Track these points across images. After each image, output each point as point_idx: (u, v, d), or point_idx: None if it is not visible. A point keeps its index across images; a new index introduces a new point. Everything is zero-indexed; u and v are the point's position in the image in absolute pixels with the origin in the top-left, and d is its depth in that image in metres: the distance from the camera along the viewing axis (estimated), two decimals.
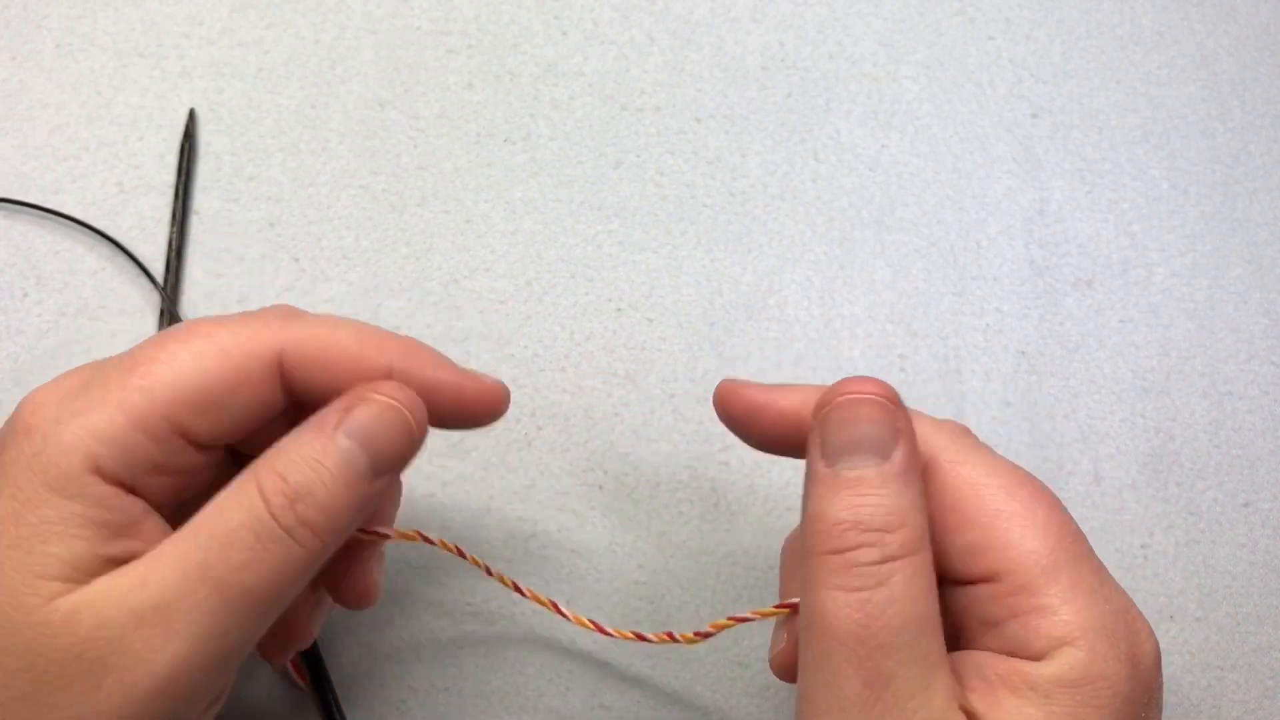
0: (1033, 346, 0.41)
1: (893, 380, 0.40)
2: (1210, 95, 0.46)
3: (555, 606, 0.31)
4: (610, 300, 0.41)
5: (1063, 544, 0.25)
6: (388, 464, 0.27)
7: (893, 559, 0.24)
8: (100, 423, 0.25)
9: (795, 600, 0.27)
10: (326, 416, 0.26)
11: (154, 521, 0.26)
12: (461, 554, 0.31)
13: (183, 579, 0.24)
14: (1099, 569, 0.26)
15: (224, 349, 0.26)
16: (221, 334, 0.26)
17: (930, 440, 0.27)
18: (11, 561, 0.24)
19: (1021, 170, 0.44)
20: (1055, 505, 0.26)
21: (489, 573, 0.31)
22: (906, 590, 0.24)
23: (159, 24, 0.44)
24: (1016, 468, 0.27)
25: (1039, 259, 0.42)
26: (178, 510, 0.26)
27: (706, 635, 0.30)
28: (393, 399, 0.27)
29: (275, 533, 0.24)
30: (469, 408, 0.28)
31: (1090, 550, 0.26)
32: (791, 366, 0.40)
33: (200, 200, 0.41)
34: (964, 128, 0.44)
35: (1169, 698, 0.38)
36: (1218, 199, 0.44)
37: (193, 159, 0.42)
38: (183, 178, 0.41)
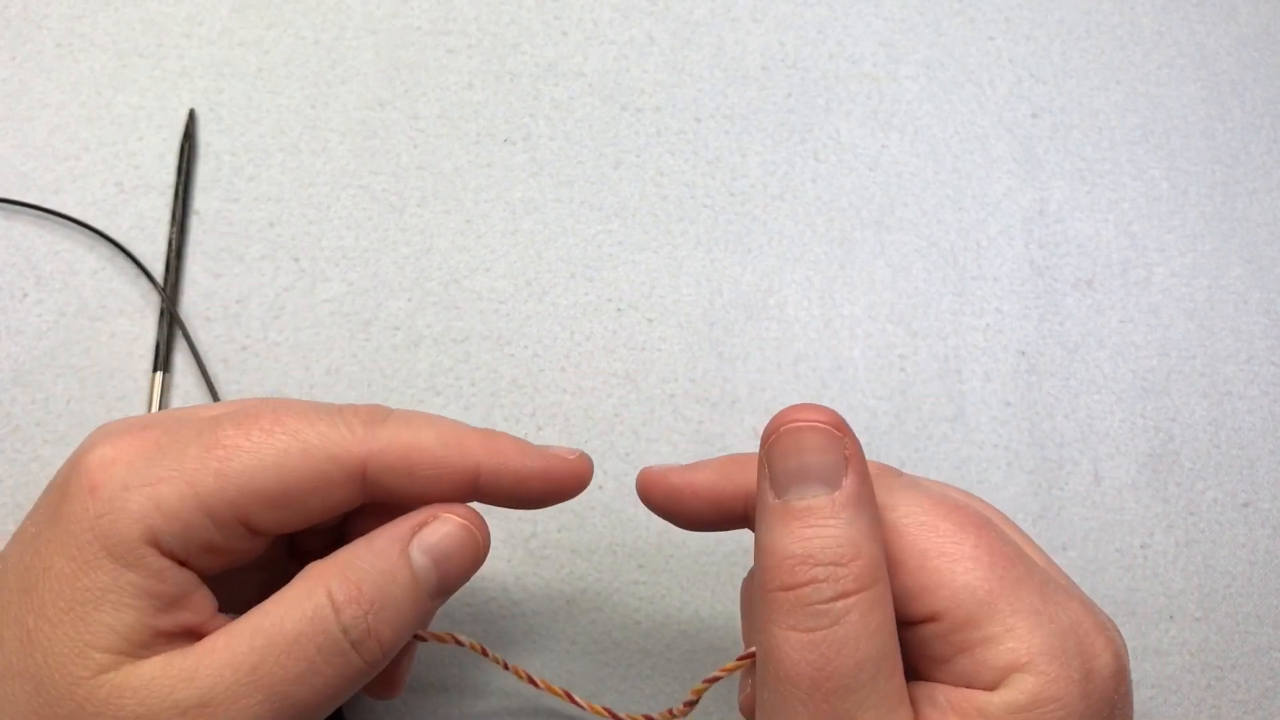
0: (1033, 346, 0.41)
1: (894, 381, 0.40)
2: (1210, 95, 0.46)
3: (569, 696, 0.32)
4: (610, 300, 0.41)
5: (996, 571, 0.25)
6: (453, 583, 0.27)
7: (847, 594, 0.23)
8: (169, 498, 0.24)
9: (753, 650, 0.27)
10: (399, 530, 0.26)
11: (204, 594, 0.26)
12: (485, 653, 0.31)
13: (234, 681, 0.24)
14: (1043, 585, 0.25)
15: (308, 449, 0.25)
16: (309, 433, 0.26)
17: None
18: (64, 627, 0.24)
19: (1021, 170, 0.44)
20: (985, 530, 0.26)
21: (505, 667, 0.31)
22: (862, 627, 0.23)
23: (159, 24, 0.44)
24: (942, 499, 0.26)
25: (1039, 259, 0.42)
26: (221, 579, 0.26)
27: (691, 704, 0.30)
28: (464, 520, 0.27)
29: (340, 646, 0.24)
30: (557, 488, 0.28)
31: (1030, 568, 0.25)
32: (791, 366, 0.40)
33: (200, 200, 0.41)
34: (964, 128, 0.44)
35: (1169, 697, 0.38)
36: (1218, 199, 0.44)
37: (193, 159, 0.42)
38: (183, 178, 0.41)
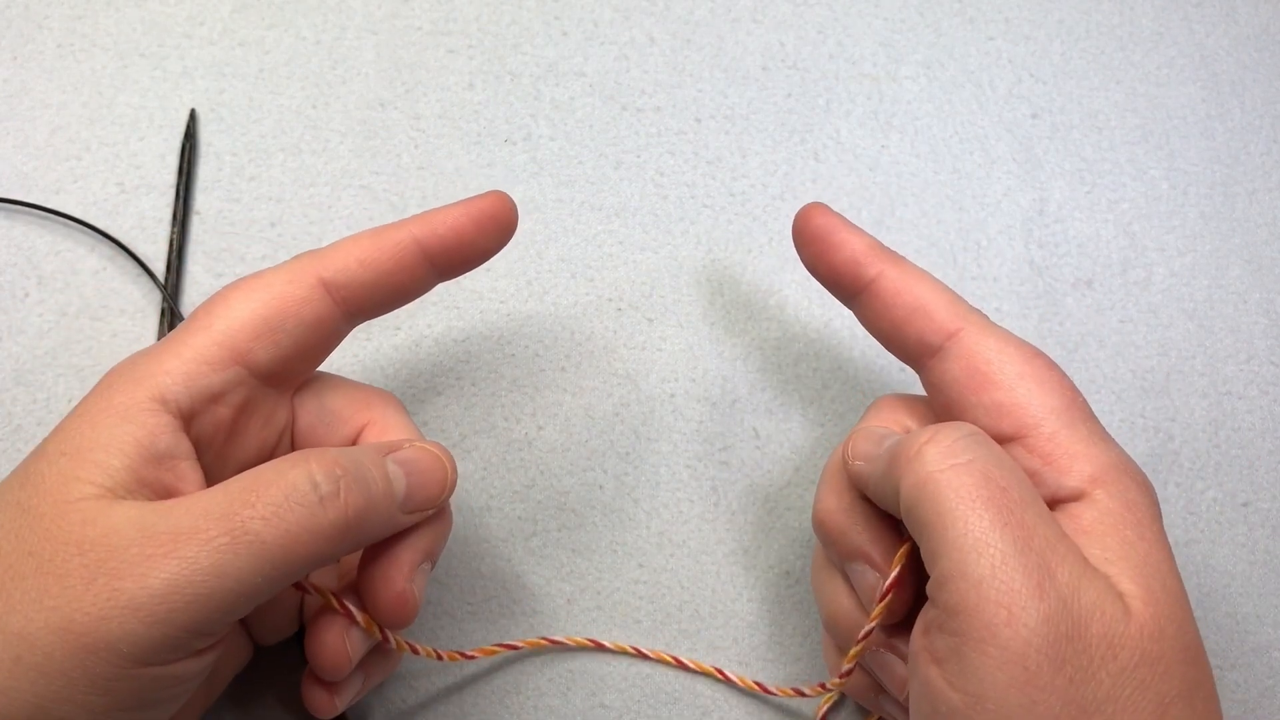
0: None
1: (893, 380, 0.40)
2: (1210, 95, 0.46)
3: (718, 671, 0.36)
4: (610, 300, 0.41)
5: (1077, 402, 0.29)
6: (418, 500, 0.29)
7: (973, 432, 0.28)
8: (169, 360, 0.28)
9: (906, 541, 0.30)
10: (379, 444, 0.29)
11: (191, 465, 0.28)
12: (417, 651, 0.33)
13: (202, 516, 0.25)
14: (1102, 427, 0.29)
15: (269, 284, 0.29)
16: (264, 276, 0.30)
17: (957, 314, 0.30)
18: (58, 464, 0.26)
19: (1021, 170, 0.44)
20: (1065, 375, 0.30)
21: (439, 657, 0.33)
22: (1000, 451, 0.27)
23: (160, 24, 0.44)
24: (1028, 344, 0.30)
25: (1039, 259, 0.42)
26: (217, 473, 0.29)
27: (847, 674, 0.32)
28: (434, 449, 0.30)
29: (306, 496, 0.26)
30: (490, 223, 0.31)
31: (1093, 413, 0.30)
32: (792, 366, 0.40)
33: (201, 200, 0.41)
34: (964, 128, 0.44)
35: None
36: (1218, 199, 0.44)
37: (194, 159, 0.42)
38: (184, 178, 0.41)
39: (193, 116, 0.42)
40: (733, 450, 0.39)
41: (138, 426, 0.27)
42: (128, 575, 0.24)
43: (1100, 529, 0.27)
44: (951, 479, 0.26)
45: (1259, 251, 0.43)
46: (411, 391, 0.39)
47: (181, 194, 0.41)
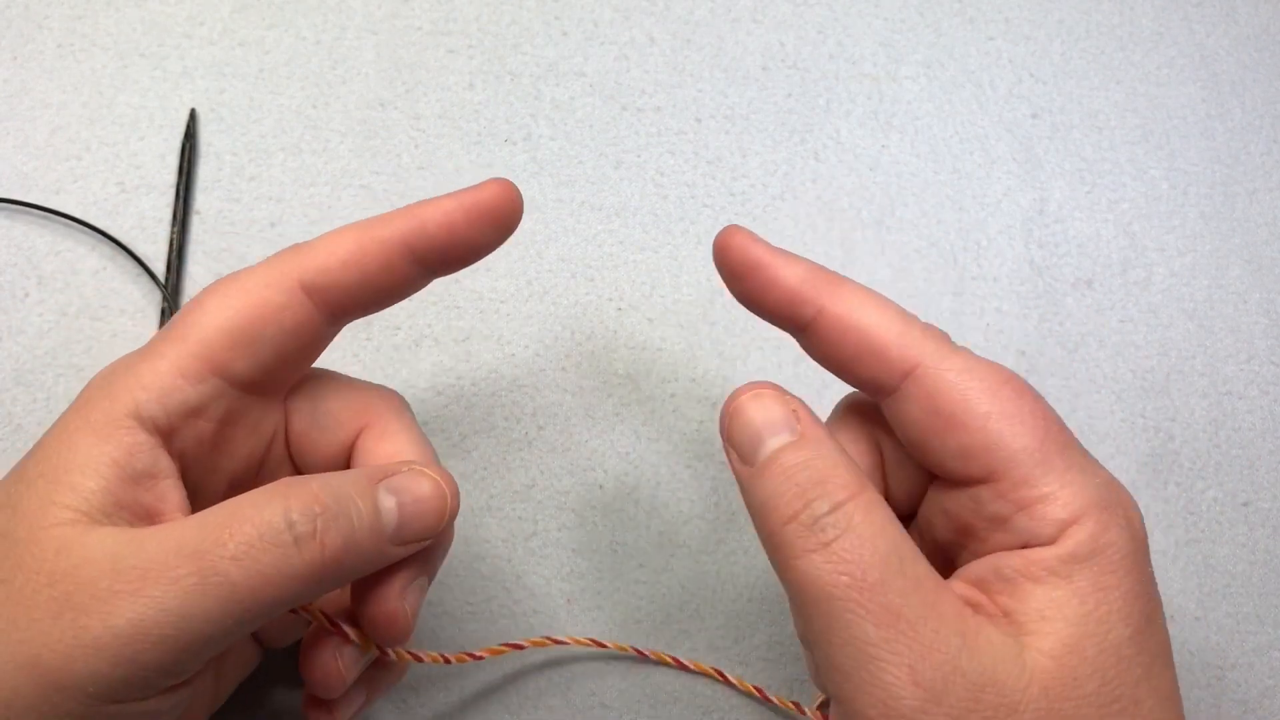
0: (1033, 346, 0.41)
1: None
2: (1210, 95, 0.46)
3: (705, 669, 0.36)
4: (611, 300, 0.41)
5: (1050, 434, 0.26)
6: (412, 531, 0.28)
7: (842, 503, 0.25)
8: (145, 372, 0.27)
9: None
10: (373, 469, 0.28)
11: (173, 484, 0.27)
12: (445, 659, 0.32)
13: (173, 553, 0.24)
14: (1081, 450, 0.27)
15: (247, 289, 0.28)
16: (241, 279, 0.28)
17: (910, 347, 0.27)
18: (37, 488, 0.25)
19: (1021, 170, 0.44)
20: (1037, 399, 0.27)
21: (447, 661, 0.33)
22: (869, 526, 0.25)
23: (160, 24, 0.44)
24: (993, 366, 0.27)
25: (1039, 259, 0.42)
26: (205, 487, 0.28)
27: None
28: (435, 477, 0.28)
29: (280, 536, 0.25)
30: (488, 219, 0.29)
31: (1071, 435, 0.27)
32: (792, 366, 0.40)
33: (201, 200, 0.41)
34: (964, 128, 0.44)
35: None
36: (1218, 199, 0.44)
37: (194, 159, 0.42)
38: (184, 178, 0.41)
39: (193, 116, 0.42)
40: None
41: (114, 446, 0.26)
42: (94, 612, 0.24)
43: (1053, 580, 0.25)
44: (809, 567, 0.25)
45: (1259, 251, 0.43)
46: (411, 391, 0.39)
47: (181, 194, 0.41)
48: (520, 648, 0.35)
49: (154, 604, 0.24)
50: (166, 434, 0.27)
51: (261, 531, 0.25)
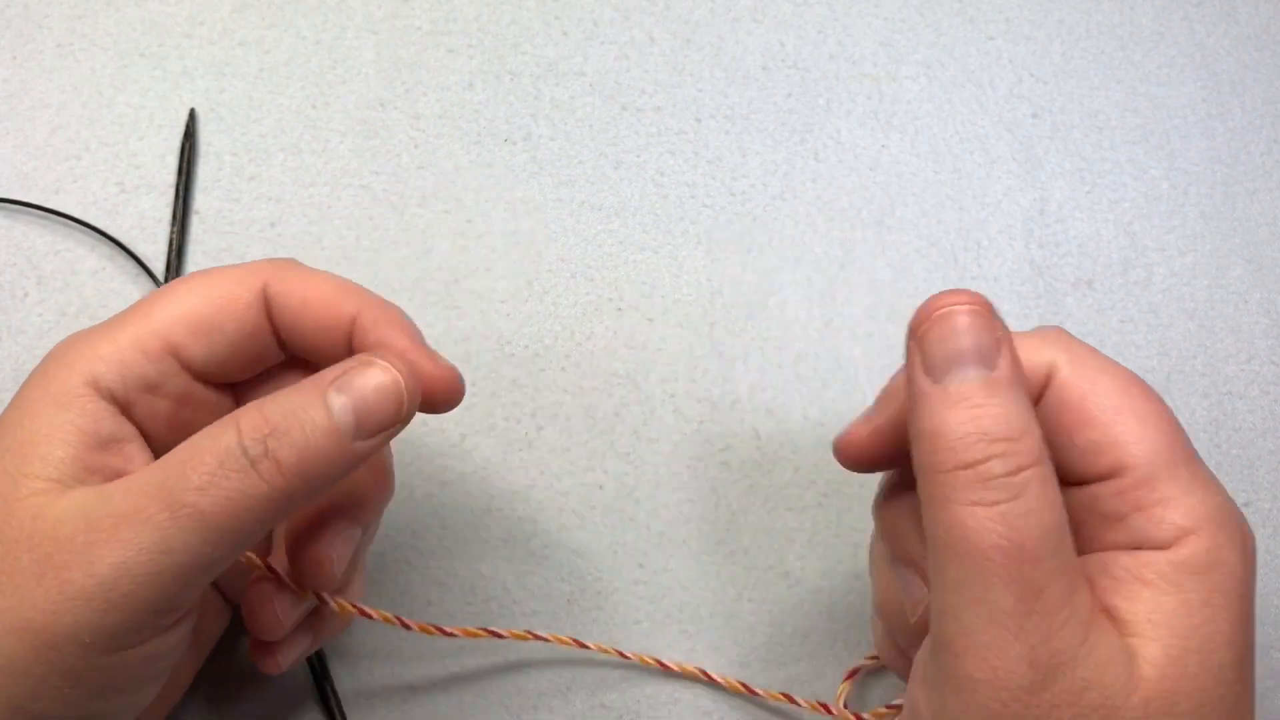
0: None
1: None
2: (1210, 95, 0.46)
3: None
4: (610, 300, 0.41)
5: (1178, 440, 0.26)
6: (372, 427, 0.27)
7: (1024, 468, 0.24)
8: (103, 344, 0.27)
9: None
10: (324, 374, 0.27)
11: (138, 446, 0.28)
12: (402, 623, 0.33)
13: (140, 494, 0.25)
14: (1204, 465, 0.27)
15: (215, 282, 0.29)
16: (215, 273, 0.29)
17: (1040, 350, 0.27)
18: (6, 463, 0.26)
19: (1021, 170, 0.44)
20: (1164, 404, 0.27)
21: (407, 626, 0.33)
22: (1042, 499, 0.24)
23: (160, 24, 0.44)
24: (1122, 366, 0.27)
25: (1039, 259, 0.42)
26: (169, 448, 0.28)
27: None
28: (392, 368, 0.27)
29: (239, 461, 0.25)
30: (424, 389, 0.29)
31: (1194, 448, 0.27)
32: (792, 366, 0.40)
33: (201, 200, 0.41)
34: (964, 128, 0.44)
35: None
36: (1218, 199, 0.44)
37: (193, 159, 0.42)
38: (183, 178, 0.41)
39: (192, 116, 0.42)
40: (732, 450, 0.39)
41: (77, 413, 0.26)
42: (74, 566, 0.24)
43: (1165, 584, 0.25)
44: (968, 519, 0.24)
45: (1260, 251, 0.43)
46: None
47: (181, 194, 0.41)
48: (499, 636, 0.34)
49: (131, 545, 0.24)
50: (124, 405, 0.27)
51: (220, 459, 0.25)
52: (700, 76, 0.44)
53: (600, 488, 0.38)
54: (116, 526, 0.24)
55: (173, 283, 0.29)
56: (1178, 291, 0.42)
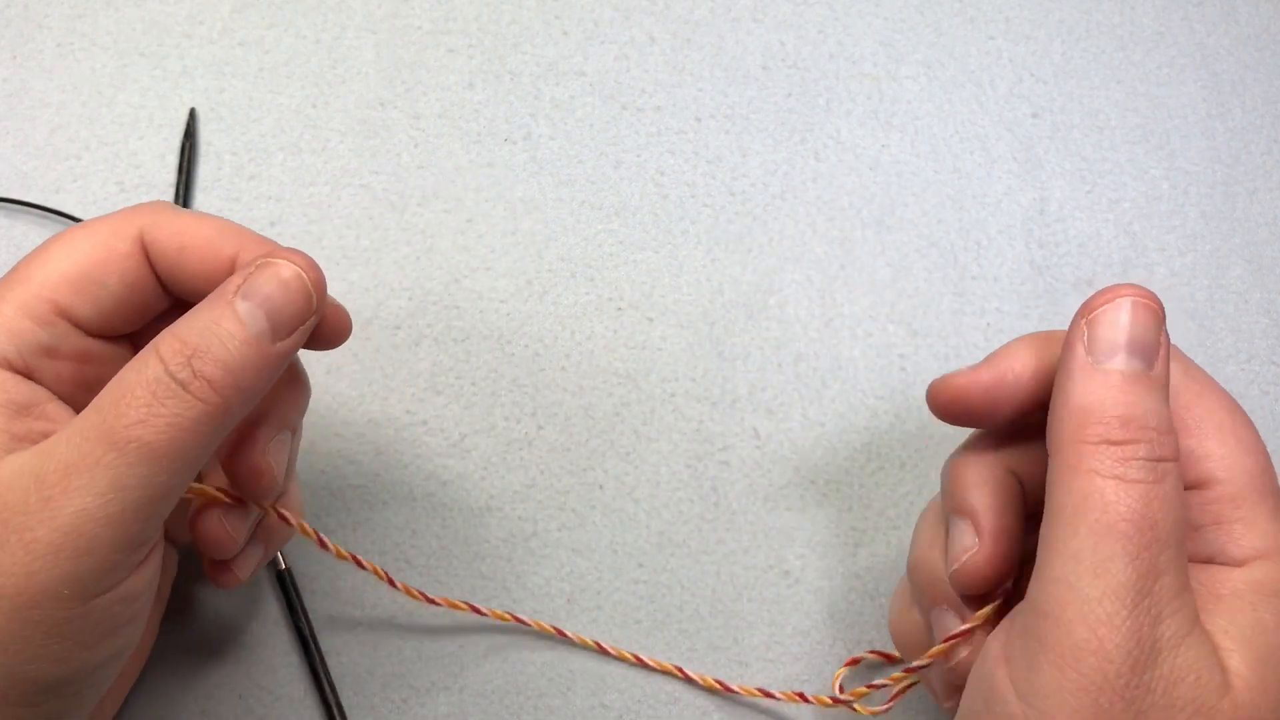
0: None
1: (894, 381, 0.40)
2: (1210, 95, 0.46)
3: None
4: (611, 300, 0.41)
5: (1269, 468, 0.27)
6: (287, 325, 0.27)
7: (1166, 459, 0.25)
8: None
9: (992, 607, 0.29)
10: (227, 285, 0.27)
11: (58, 406, 0.28)
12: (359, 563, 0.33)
13: (83, 441, 0.25)
14: None
15: (92, 233, 0.28)
16: (93, 223, 0.29)
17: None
18: None
19: (1021, 170, 0.44)
20: (1259, 436, 0.28)
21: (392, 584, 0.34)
22: (1175, 491, 0.25)
23: (160, 23, 0.44)
24: (1227, 392, 0.28)
25: (1039, 259, 0.42)
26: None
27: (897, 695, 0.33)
28: (291, 262, 0.28)
29: (170, 388, 0.25)
30: (327, 335, 0.30)
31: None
32: (792, 366, 0.40)
33: (201, 200, 0.41)
34: (964, 128, 0.44)
35: None
36: (1218, 199, 0.44)
37: (193, 158, 0.42)
38: (183, 177, 0.41)
39: (192, 116, 0.42)
40: (733, 450, 0.39)
41: None
42: (35, 525, 0.24)
43: (1239, 602, 0.25)
44: (1107, 490, 0.24)
45: (1260, 251, 0.43)
46: (411, 391, 0.39)
47: (181, 194, 0.41)
48: (480, 613, 0.35)
49: (87, 490, 0.24)
50: (27, 372, 0.27)
51: (152, 390, 0.25)
52: (700, 76, 0.44)
53: (600, 487, 0.38)
54: (67, 476, 0.24)
55: (47, 241, 0.29)
56: (1178, 291, 0.42)
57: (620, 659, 0.36)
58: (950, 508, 0.30)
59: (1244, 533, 0.26)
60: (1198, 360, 0.41)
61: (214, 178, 0.41)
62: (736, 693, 0.36)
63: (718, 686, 0.36)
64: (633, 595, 0.37)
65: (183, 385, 0.25)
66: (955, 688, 0.30)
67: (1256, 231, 0.44)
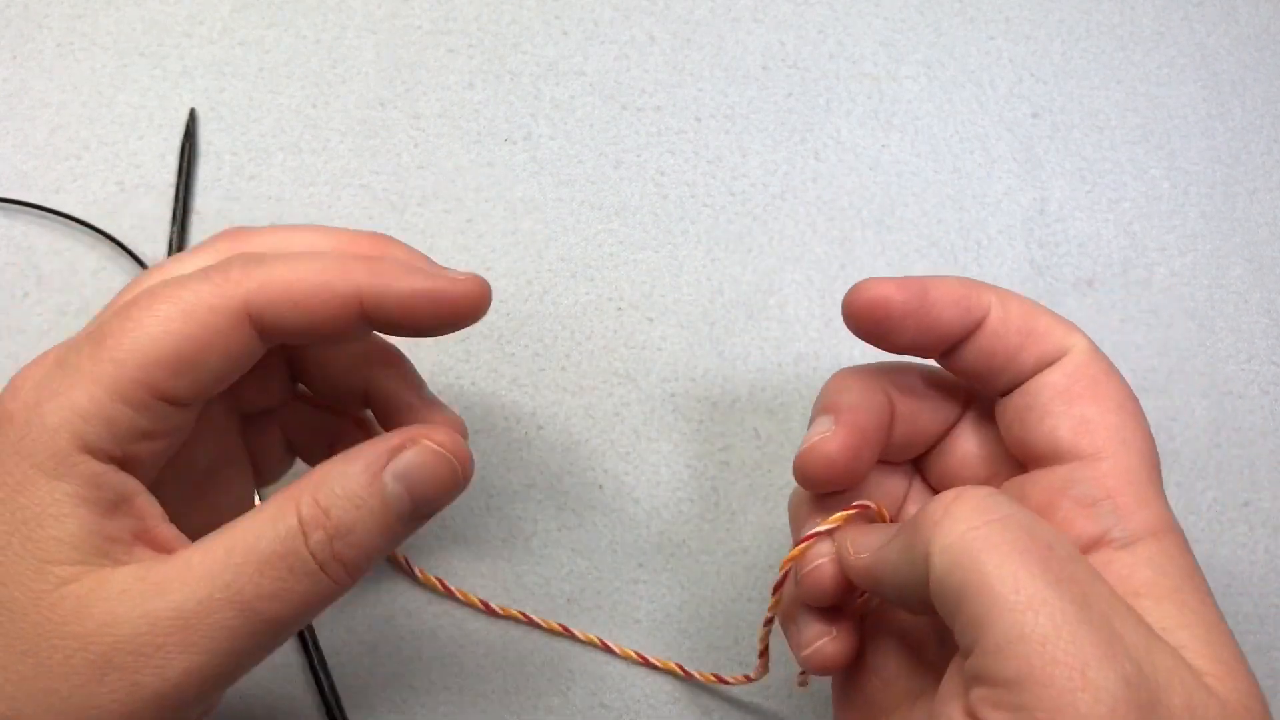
0: None
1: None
2: (1210, 95, 0.46)
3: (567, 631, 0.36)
4: (611, 299, 0.41)
5: (1156, 458, 0.28)
6: (428, 508, 0.27)
7: (997, 492, 0.26)
8: (81, 400, 0.24)
9: (862, 503, 0.29)
10: (376, 454, 0.26)
11: (147, 499, 0.26)
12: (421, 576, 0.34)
13: (209, 596, 0.24)
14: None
15: (188, 310, 0.25)
16: (185, 294, 0.26)
17: (1068, 335, 0.29)
18: (12, 549, 0.24)
19: (1021, 170, 0.44)
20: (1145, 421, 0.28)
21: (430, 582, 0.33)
22: (1033, 512, 0.26)
23: (160, 23, 0.44)
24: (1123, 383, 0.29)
25: (1039, 259, 0.42)
26: (166, 468, 0.27)
27: (762, 655, 0.33)
28: (442, 446, 0.27)
29: (309, 567, 0.25)
30: (448, 311, 0.27)
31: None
32: (792, 366, 0.40)
33: (201, 200, 0.41)
34: (964, 128, 0.44)
35: None
36: (1218, 199, 0.44)
37: (193, 158, 0.42)
38: (183, 177, 0.41)
39: (192, 116, 0.42)
40: (733, 450, 0.39)
41: (73, 482, 0.24)
42: (144, 669, 0.24)
43: (1157, 591, 0.25)
44: (990, 535, 0.23)
45: (1260, 251, 0.43)
46: None
47: (181, 194, 0.41)
48: (495, 614, 0.36)
49: (204, 650, 0.24)
50: (120, 461, 0.25)
51: (289, 564, 0.25)
52: (700, 76, 0.44)
53: (600, 487, 0.38)
54: (186, 630, 0.24)
55: (134, 311, 0.25)
56: (1178, 291, 0.42)
57: (623, 656, 0.36)
58: (817, 409, 0.30)
59: (1138, 508, 0.26)
60: (1198, 360, 0.41)
61: (214, 178, 0.41)
62: (694, 676, 0.36)
63: (677, 670, 0.36)
64: (633, 595, 0.37)
65: (321, 566, 0.25)
66: (852, 693, 0.30)
67: (1256, 231, 0.44)
